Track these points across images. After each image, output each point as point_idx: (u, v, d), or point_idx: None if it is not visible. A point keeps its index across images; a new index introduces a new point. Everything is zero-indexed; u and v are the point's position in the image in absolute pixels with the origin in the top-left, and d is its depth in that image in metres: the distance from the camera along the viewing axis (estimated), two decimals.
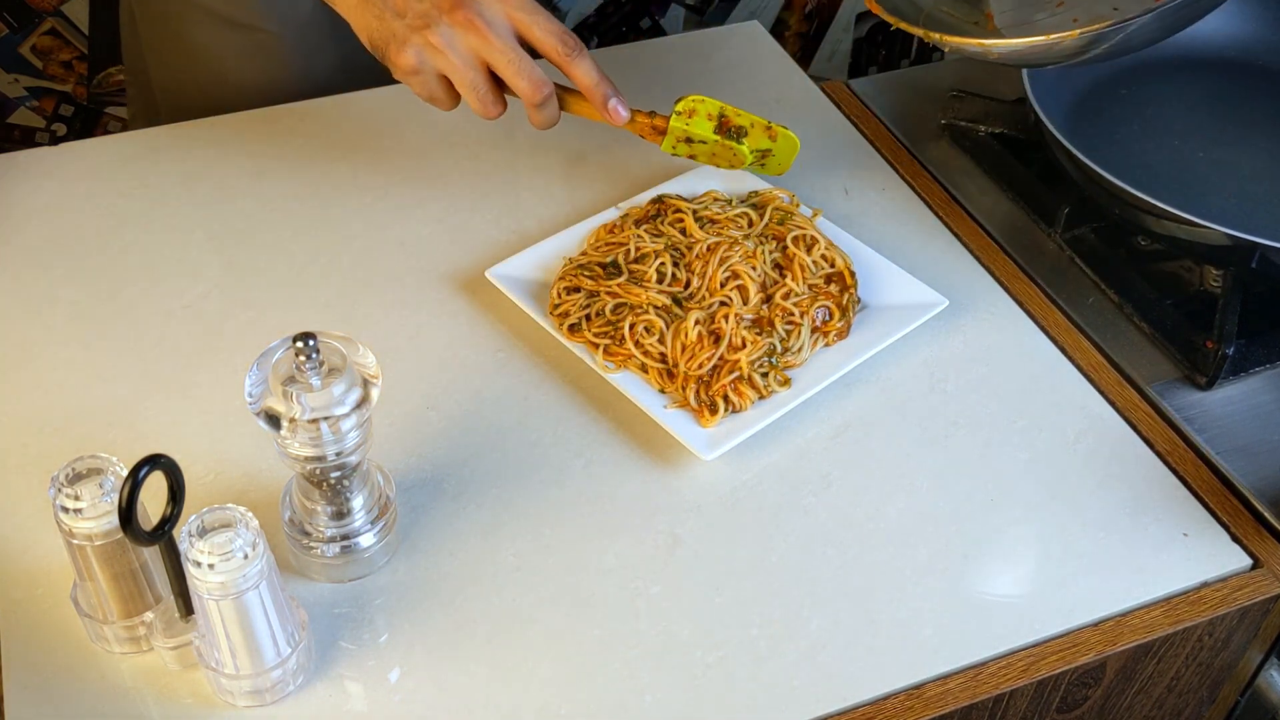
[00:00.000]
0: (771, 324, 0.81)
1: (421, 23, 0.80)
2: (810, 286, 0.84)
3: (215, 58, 1.07)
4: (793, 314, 0.82)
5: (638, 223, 0.89)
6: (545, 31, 0.81)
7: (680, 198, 0.91)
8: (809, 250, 0.86)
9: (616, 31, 1.88)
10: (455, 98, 0.84)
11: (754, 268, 0.83)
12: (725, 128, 0.88)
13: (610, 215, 0.91)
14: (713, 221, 0.88)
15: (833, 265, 0.86)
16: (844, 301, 0.84)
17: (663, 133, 0.87)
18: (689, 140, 0.87)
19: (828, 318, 0.83)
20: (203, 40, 1.06)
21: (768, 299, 0.83)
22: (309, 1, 1.05)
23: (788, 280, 0.84)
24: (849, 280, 0.85)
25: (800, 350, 0.81)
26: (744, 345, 0.79)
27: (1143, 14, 0.79)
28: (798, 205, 0.91)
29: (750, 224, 0.88)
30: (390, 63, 0.83)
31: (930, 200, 0.98)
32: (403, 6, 0.81)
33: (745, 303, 0.82)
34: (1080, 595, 0.71)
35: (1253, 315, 0.86)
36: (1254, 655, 0.79)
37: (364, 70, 1.07)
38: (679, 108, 0.86)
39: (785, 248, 0.86)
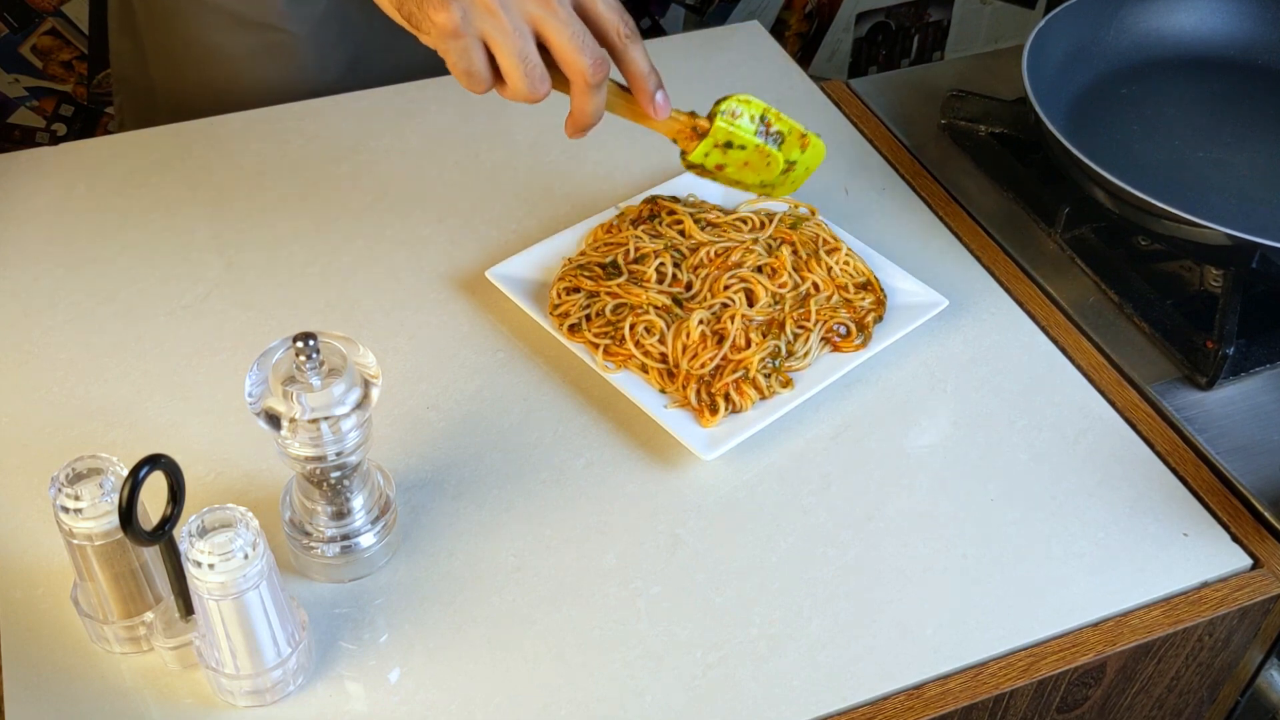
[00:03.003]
0: (782, 326, 0.81)
1: None
2: (839, 290, 0.84)
3: (228, 58, 1.07)
4: (805, 321, 0.82)
5: (634, 223, 0.89)
6: (609, 7, 0.72)
7: (675, 199, 0.91)
8: (831, 255, 0.86)
9: None
10: (494, 74, 0.72)
11: (770, 274, 0.83)
12: (766, 133, 0.79)
13: (610, 215, 0.91)
14: (712, 225, 0.88)
15: (862, 275, 0.86)
16: (866, 320, 0.83)
17: (703, 135, 0.78)
18: (727, 146, 0.78)
19: (845, 333, 0.82)
20: (215, 41, 1.06)
21: (800, 301, 0.83)
22: None
23: (820, 287, 0.83)
24: (879, 292, 0.85)
25: (806, 355, 0.81)
26: (748, 345, 0.79)
27: None
28: (815, 214, 0.91)
29: (756, 227, 0.88)
30: (426, 21, 0.70)
31: (930, 200, 0.98)
32: None
33: (752, 305, 0.82)
34: (1080, 595, 0.71)
35: (1253, 315, 0.86)
36: (1254, 655, 0.79)
37: (373, 69, 1.07)
38: (724, 108, 0.78)
39: (816, 253, 0.86)
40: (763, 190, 0.83)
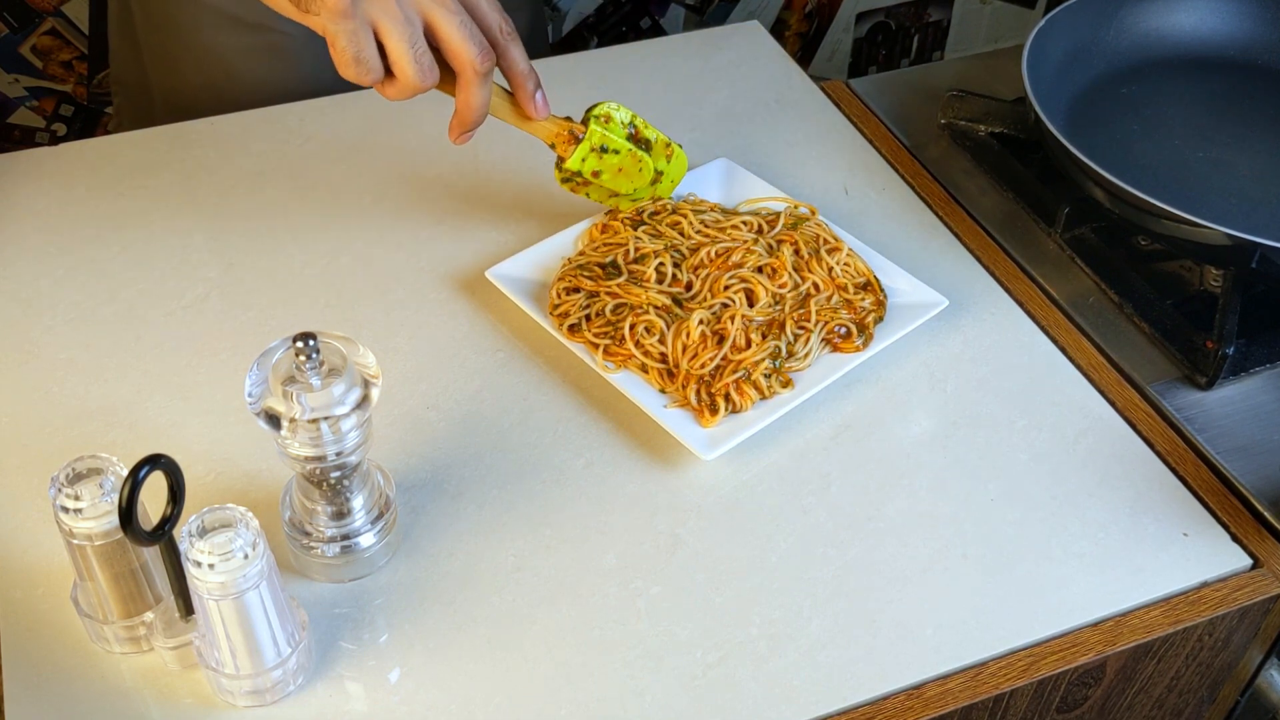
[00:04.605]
0: (782, 327, 0.81)
1: None
2: (839, 290, 0.84)
3: (224, 59, 1.07)
4: (806, 322, 0.81)
5: (629, 222, 0.89)
6: (491, 6, 0.75)
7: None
8: (831, 255, 0.86)
9: (616, 31, 1.88)
10: (382, 64, 0.73)
11: (770, 274, 0.83)
12: (635, 139, 0.84)
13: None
14: (710, 230, 0.87)
15: (862, 275, 0.86)
16: (867, 321, 0.83)
17: (579, 139, 0.82)
18: (602, 150, 0.83)
19: (845, 334, 0.82)
20: (213, 42, 1.06)
21: (800, 301, 0.83)
22: None
23: (820, 287, 0.83)
24: (880, 293, 0.85)
25: (807, 356, 0.81)
26: (749, 345, 0.79)
27: None
28: (815, 214, 0.90)
29: (759, 230, 0.88)
30: (317, 2, 0.70)
31: (930, 200, 0.98)
32: None
33: (752, 305, 0.82)
34: (1080, 595, 0.71)
35: (1253, 315, 0.86)
36: (1254, 655, 0.79)
37: None
38: (596, 112, 0.82)
39: (817, 253, 0.86)
40: (634, 206, 0.88)
